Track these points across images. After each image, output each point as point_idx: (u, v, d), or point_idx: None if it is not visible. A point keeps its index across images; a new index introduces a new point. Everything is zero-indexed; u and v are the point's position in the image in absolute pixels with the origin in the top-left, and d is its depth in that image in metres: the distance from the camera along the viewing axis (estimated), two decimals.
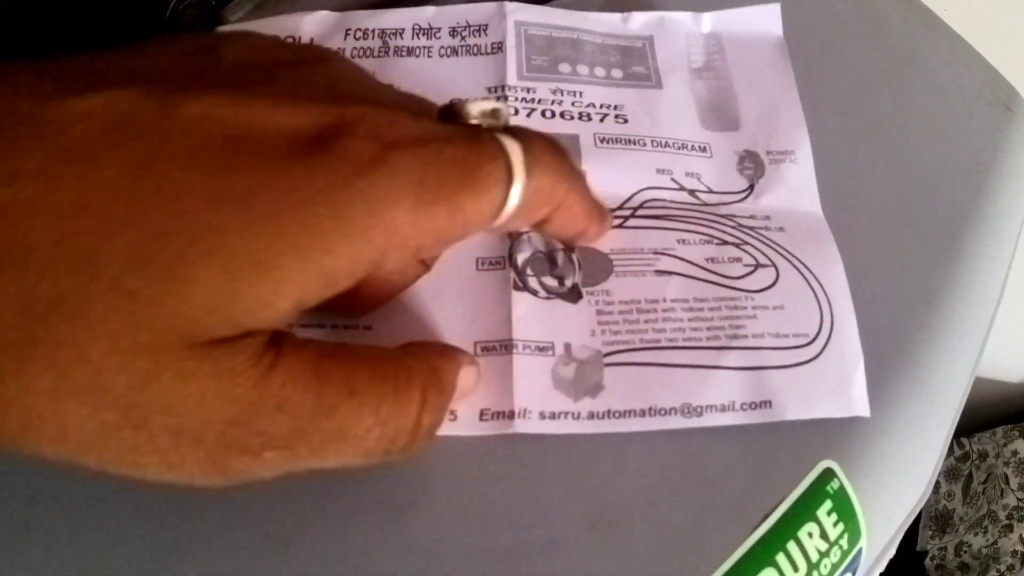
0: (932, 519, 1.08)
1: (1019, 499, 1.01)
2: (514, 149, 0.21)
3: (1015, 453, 1.03)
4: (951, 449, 1.09)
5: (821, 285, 0.29)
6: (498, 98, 0.31)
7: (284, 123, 0.18)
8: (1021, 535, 1.00)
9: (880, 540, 0.30)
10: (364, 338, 0.26)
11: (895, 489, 0.31)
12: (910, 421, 0.31)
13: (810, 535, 0.27)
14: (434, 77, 0.31)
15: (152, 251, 0.15)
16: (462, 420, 0.25)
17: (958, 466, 1.09)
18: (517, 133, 0.21)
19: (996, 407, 1.10)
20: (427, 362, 0.22)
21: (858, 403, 0.27)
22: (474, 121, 0.21)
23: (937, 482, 1.08)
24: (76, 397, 0.15)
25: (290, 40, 0.31)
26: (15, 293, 0.15)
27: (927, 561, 1.07)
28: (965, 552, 1.03)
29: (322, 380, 0.18)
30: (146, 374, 0.16)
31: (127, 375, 0.16)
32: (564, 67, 0.33)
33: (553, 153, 0.22)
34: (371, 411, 0.19)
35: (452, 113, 0.21)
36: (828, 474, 0.28)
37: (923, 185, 0.37)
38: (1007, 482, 1.02)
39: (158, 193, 0.16)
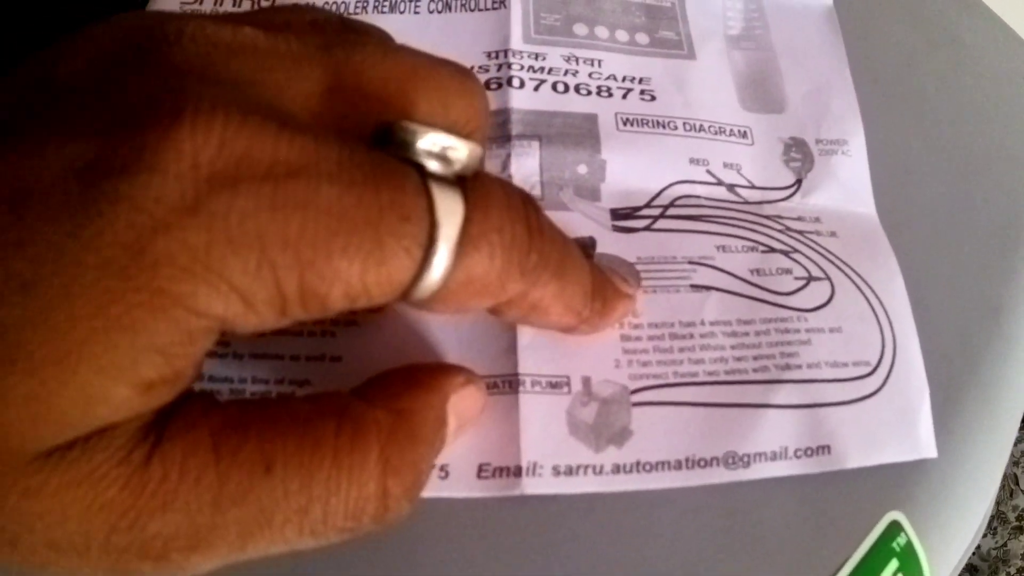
0: None
1: None
2: (451, 210, 0.15)
3: None
4: None
5: (881, 302, 0.25)
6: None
7: (74, 161, 0.13)
8: None
9: None
10: (330, 372, 0.21)
11: (959, 532, 0.28)
12: (977, 455, 0.28)
13: None
14: (420, 39, 0.26)
15: None
16: (456, 477, 0.20)
17: None
18: (475, 189, 0.16)
19: None
20: (388, 404, 0.17)
21: (925, 443, 0.24)
22: (419, 159, 0.16)
23: None
24: None
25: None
26: None
27: None
28: (974, 554, 1.01)
29: (224, 460, 0.15)
30: None
31: None
32: (580, 28, 0.29)
33: (521, 232, 0.17)
34: (300, 488, 0.15)
35: (390, 137, 0.16)
36: (894, 528, 0.24)
37: (976, 180, 0.33)
38: (1017, 483, 1.01)
39: None
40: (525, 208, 0.17)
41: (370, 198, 0.14)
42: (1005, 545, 0.98)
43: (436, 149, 0.16)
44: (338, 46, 0.16)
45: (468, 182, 0.16)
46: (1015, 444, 1.01)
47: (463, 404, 0.19)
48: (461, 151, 0.16)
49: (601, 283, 0.20)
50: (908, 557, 0.24)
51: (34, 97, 0.14)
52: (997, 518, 1.01)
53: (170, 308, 0.13)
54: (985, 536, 1.00)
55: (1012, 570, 0.97)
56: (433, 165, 0.15)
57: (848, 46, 0.32)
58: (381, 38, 0.18)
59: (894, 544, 0.23)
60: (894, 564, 0.23)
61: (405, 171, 0.15)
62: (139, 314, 0.13)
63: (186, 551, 0.15)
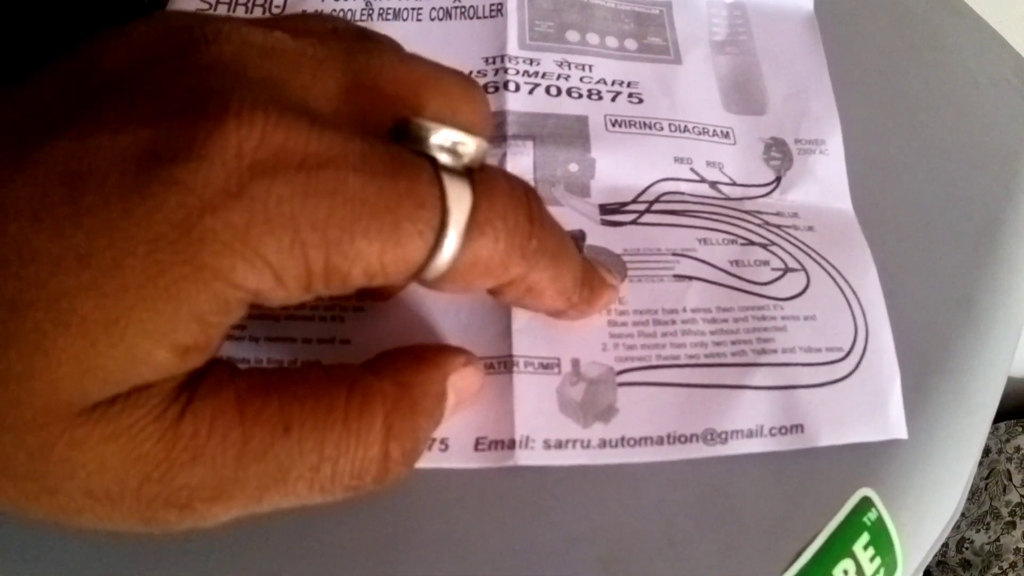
0: None
1: (1022, 496, 1.00)
2: (460, 198, 0.17)
3: (1018, 449, 1.01)
4: None
5: (854, 292, 0.26)
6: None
7: (126, 149, 0.15)
8: None
9: (912, 566, 0.28)
10: (340, 354, 0.23)
11: (931, 512, 0.29)
12: (948, 438, 0.29)
13: (845, 572, 0.24)
14: (423, 45, 0.28)
15: (11, 327, 0.14)
16: (455, 450, 0.22)
17: None
18: (482, 181, 0.17)
19: (1000, 402, 1.08)
20: (394, 377, 0.19)
21: (895, 424, 0.25)
22: (432, 152, 0.17)
23: None
24: None
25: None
26: None
27: None
28: (967, 549, 1.02)
29: (248, 420, 0.17)
30: (40, 447, 0.15)
31: (23, 451, 0.15)
32: (572, 35, 0.30)
33: (523, 219, 0.18)
34: (313, 447, 0.17)
35: (406, 133, 0.17)
36: (865, 504, 0.25)
37: (954, 178, 0.34)
38: (1010, 478, 1.01)
39: (6, 262, 0.14)
40: (527, 198, 0.18)
41: (390, 187, 0.16)
42: (998, 540, 0.99)
43: (447, 144, 0.17)
44: (357, 52, 0.18)
45: (475, 173, 0.18)
46: (1006, 441, 1.02)
47: (462, 382, 0.20)
48: (469, 145, 0.18)
49: (590, 272, 0.22)
50: (879, 531, 0.25)
51: (81, 89, 0.16)
52: (990, 513, 1.01)
53: (211, 281, 0.15)
54: (978, 531, 1.01)
55: (1005, 565, 0.97)
56: (444, 158, 0.17)
57: (830, 49, 0.33)
58: (394, 47, 0.19)
59: (864, 519, 0.25)
60: (865, 537, 0.24)
61: (420, 163, 0.17)
62: (184, 285, 0.15)
63: (208, 501, 0.16)
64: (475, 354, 0.22)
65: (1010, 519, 0.99)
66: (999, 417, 1.05)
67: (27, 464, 0.15)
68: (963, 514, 1.04)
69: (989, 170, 0.35)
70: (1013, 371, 1.11)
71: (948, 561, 1.03)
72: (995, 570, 0.97)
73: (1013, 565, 0.97)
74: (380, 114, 0.18)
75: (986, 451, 1.05)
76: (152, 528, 0.16)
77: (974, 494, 1.04)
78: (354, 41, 0.18)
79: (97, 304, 0.14)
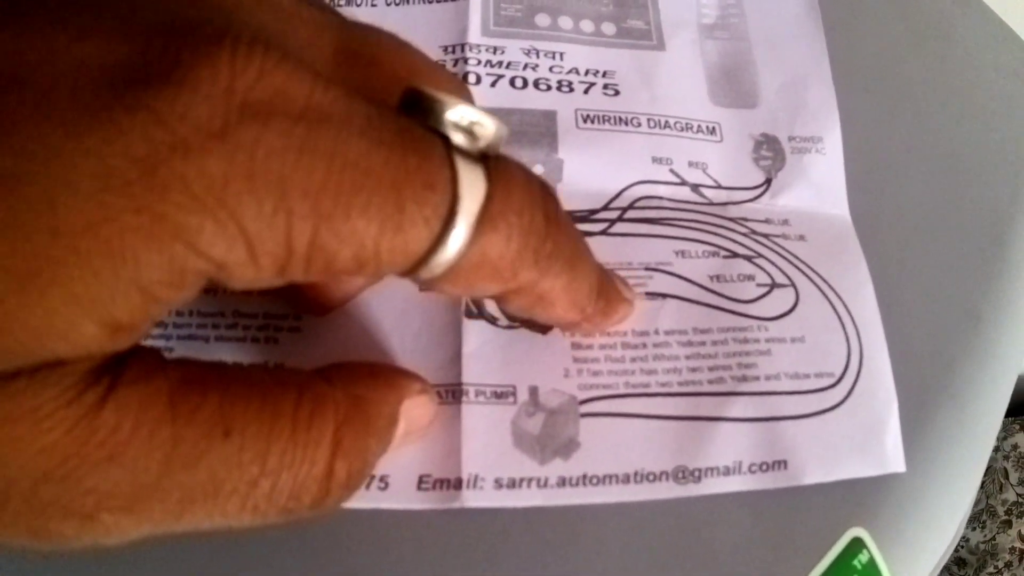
0: None
1: (1018, 494, 1.00)
2: (473, 185, 0.15)
3: (1015, 447, 1.01)
4: None
5: (848, 311, 0.24)
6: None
7: (89, 61, 0.12)
8: (1020, 531, 0.98)
9: None
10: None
11: (926, 549, 0.27)
12: (949, 469, 0.27)
13: None
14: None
15: None
16: (395, 488, 0.20)
17: None
18: (497, 171, 0.15)
19: None
20: (347, 388, 0.17)
21: (892, 457, 0.23)
22: (446, 130, 0.15)
23: None
24: None
25: None
26: None
27: None
28: (962, 547, 1.02)
29: (181, 419, 0.14)
30: None
31: None
32: (542, 19, 0.28)
33: (539, 219, 0.16)
34: (255, 457, 0.14)
35: (418, 104, 0.15)
36: (856, 545, 0.23)
37: (961, 178, 0.32)
38: (1006, 477, 1.00)
39: None
40: (544, 195, 0.16)
41: (397, 160, 0.14)
42: (993, 539, 0.98)
43: (464, 122, 0.15)
44: (354, 26, 0.16)
45: (491, 161, 0.15)
46: (1004, 439, 1.01)
47: (415, 411, 0.18)
48: (488, 127, 0.15)
49: (606, 284, 0.20)
50: (870, 574, 0.23)
51: None
52: (986, 512, 1.01)
53: (169, 240, 0.12)
54: (974, 530, 1.00)
55: (1000, 563, 0.97)
56: (459, 139, 0.15)
57: (829, 36, 0.31)
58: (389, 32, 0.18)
59: (855, 562, 0.23)
60: None
61: (432, 140, 0.14)
62: (132, 241, 0.12)
63: (118, 512, 0.14)
64: (429, 384, 0.19)
65: (1006, 518, 0.99)
66: None
67: None
68: None
69: (996, 172, 0.33)
70: None
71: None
72: (990, 569, 0.97)
73: (1008, 564, 0.97)
74: (379, 88, 0.15)
75: None
76: (39, 543, 0.14)
77: None
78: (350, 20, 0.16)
79: (14, 248, 0.11)
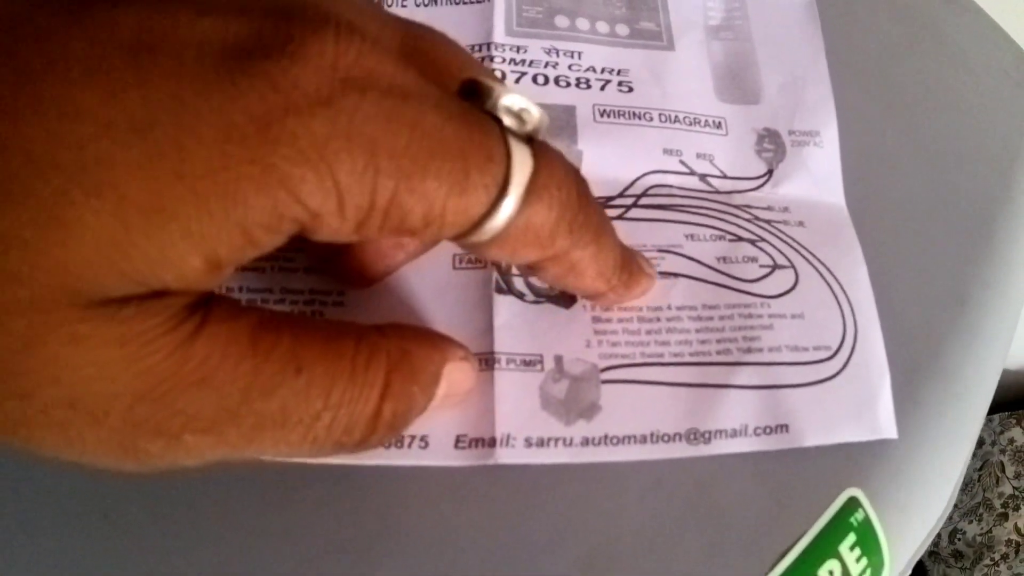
0: None
1: (1015, 487, 1.00)
2: (523, 162, 0.17)
3: (1011, 441, 1.01)
4: None
5: (844, 290, 0.26)
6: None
7: (210, 34, 0.14)
8: (1016, 524, 0.98)
9: (900, 566, 0.28)
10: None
11: (920, 512, 0.29)
12: (938, 438, 0.28)
13: (831, 573, 0.24)
14: None
15: (29, 185, 0.13)
16: (435, 447, 0.22)
17: None
18: (541, 152, 0.18)
19: (994, 394, 1.08)
20: (398, 342, 0.18)
21: (884, 424, 0.25)
22: (499, 114, 0.17)
23: None
24: None
25: None
26: None
27: None
28: (959, 540, 1.02)
29: (260, 353, 0.16)
30: (27, 337, 0.13)
31: (4, 337, 0.13)
32: (561, 20, 0.30)
33: (574, 194, 0.18)
34: (320, 393, 0.16)
35: (475, 92, 0.17)
36: (852, 504, 0.25)
37: (950, 171, 0.34)
38: (1003, 470, 1.01)
39: (40, 114, 0.13)
40: (576, 176, 0.19)
41: (464, 134, 0.16)
42: (990, 532, 0.99)
43: (515, 108, 0.17)
44: (412, 24, 0.18)
45: (535, 143, 0.18)
46: (1000, 433, 1.02)
47: (457, 375, 0.20)
48: (534, 114, 0.17)
49: (629, 258, 0.22)
50: (865, 532, 0.25)
51: None
52: (983, 505, 1.01)
53: (275, 187, 0.14)
54: (971, 523, 1.01)
55: (997, 556, 0.98)
56: (510, 122, 0.17)
57: (828, 37, 0.33)
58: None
59: (851, 519, 0.24)
60: (851, 538, 0.24)
61: (490, 121, 0.17)
62: (245, 186, 0.14)
63: (200, 433, 0.15)
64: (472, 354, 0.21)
65: (1002, 511, 1.00)
66: (993, 409, 1.05)
67: (2, 355, 0.13)
68: (956, 505, 1.04)
69: (986, 164, 0.35)
70: (1007, 364, 1.10)
71: (940, 552, 1.03)
72: (987, 561, 0.98)
73: (1005, 557, 0.97)
74: (435, 79, 0.17)
75: (980, 443, 1.05)
76: (125, 460, 0.15)
77: (967, 485, 1.05)
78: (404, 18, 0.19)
79: (144, 185, 0.13)
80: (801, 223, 0.27)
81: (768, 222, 0.27)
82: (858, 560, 0.25)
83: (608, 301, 0.23)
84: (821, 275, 0.26)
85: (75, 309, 0.13)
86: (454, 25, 0.28)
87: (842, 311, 0.25)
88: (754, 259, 0.26)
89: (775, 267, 0.26)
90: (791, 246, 0.26)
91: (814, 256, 0.26)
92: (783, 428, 0.23)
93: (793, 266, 0.26)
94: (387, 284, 0.23)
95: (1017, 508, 0.99)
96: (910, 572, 0.31)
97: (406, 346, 0.18)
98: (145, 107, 0.13)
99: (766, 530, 0.23)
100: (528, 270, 0.20)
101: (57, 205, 0.13)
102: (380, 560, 0.21)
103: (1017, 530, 0.98)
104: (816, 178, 0.28)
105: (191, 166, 0.13)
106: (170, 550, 0.21)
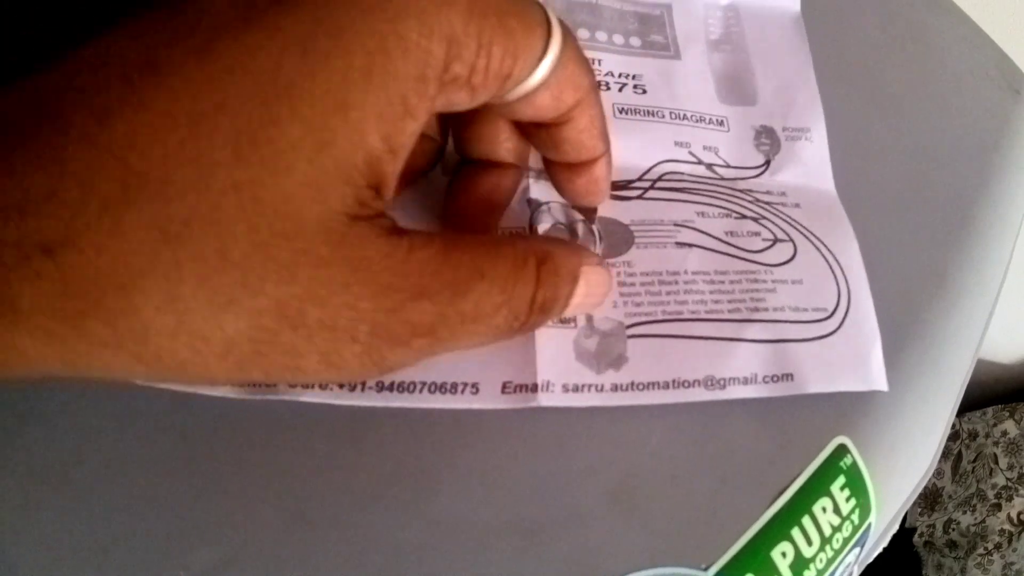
0: (921, 497, 1.09)
1: (1008, 479, 1.02)
2: (557, 28, 0.20)
3: (1005, 433, 1.04)
4: None
5: (837, 261, 0.29)
6: None
7: None
8: (1009, 514, 1.00)
9: (887, 515, 0.31)
10: None
11: (904, 464, 0.32)
12: (921, 397, 0.32)
13: (824, 510, 0.27)
14: None
15: (251, 131, 0.15)
16: (484, 393, 0.25)
17: (948, 445, 1.10)
18: (565, 27, 0.21)
19: (987, 388, 1.11)
20: (543, 245, 0.22)
21: (876, 377, 0.28)
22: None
23: None
24: (232, 309, 0.15)
25: None
26: (148, 222, 0.15)
27: (915, 538, 1.08)
28: (953, 530, 1.04)
29: (453, 265, 0.19)
30: (290, 264, 0.16)
31: (273, 270, 0.16)
32: (583, 32, 0.33)
33: (584, 57, 0.22)
34: (499, 290, 0.20)
35: None
36: (841, 450, 0.28)
37: (931, 163, 0.37)
38: (996, 462, 1.03)
39: (223, 56, 0.15)
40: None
41: (522, 5, 0.19)
42: (984, 522, 1.01)
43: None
44: None
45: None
46: (994, 425, 1.05)
47: (594, 276, 0.23)
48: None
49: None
50: (853, 475, 0.28)
51: None
52: (977, 495, 1.04)
53: (413, 51, 0.17)
54: (965, 513, 1.03)
55: (990, 545, 0.99)
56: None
57: (821, 43, 0.36)
58: None
59: (841, 463, 0.27)
60: (841, 480, 0.27)
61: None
62: (396, 58, 0.16)
63: (423, 337, 0.18)
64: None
65: (996, 501, 1.01)
66: (987, 402, 1.09)
67: (274, 288, 0.16)
68: (950, 496, 1.07)
69: (966, 157, 0.38)
70: (1000, 358, 1.13)
71: (935, 542, 1.05)
72: (980, 550, 0.99)
73: (998, 546, 0.99)
74: None
75: (974, 435, 1.08)
76: (372, 371, 0.18)
77: (961, 476, 1.07)
78: None
79: (325, 88, 0.16)
80: (797, 205, 0.31)
81: (768, 203, 0.30)
82: (847, 500, 0.27)
83: (599, 181, 0.26)
84: (816, 247, 0.29)
85: (317, 235, 0.16)
86: None
87: (836, 278, 0.29)
88: (757, 234, 0.29)
89: (776, 240, 0.29)
90: (789, 223, 0.30)
91: (810, 232, 0.30)
92: (788, 377, 0.26)
93: (791, 240, 0.29)
94: None
95: (1010, 498, 1.01)
96: (898, 525, 0.34)
97: (549, 248, 0.22)
98: (301, 22, 0.16)
99: (769, 469, 0.26)
100: (556, 134, 0.23)
101: (269, 137, 0.16)
102: (437, 489, 0.24)
103: (1010, 520, 0.99)
104: (808, 168, 0.32)
105: (352, 57, 0.16)
106: (247, 483, 0.24)
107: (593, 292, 0.23)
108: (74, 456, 0.24)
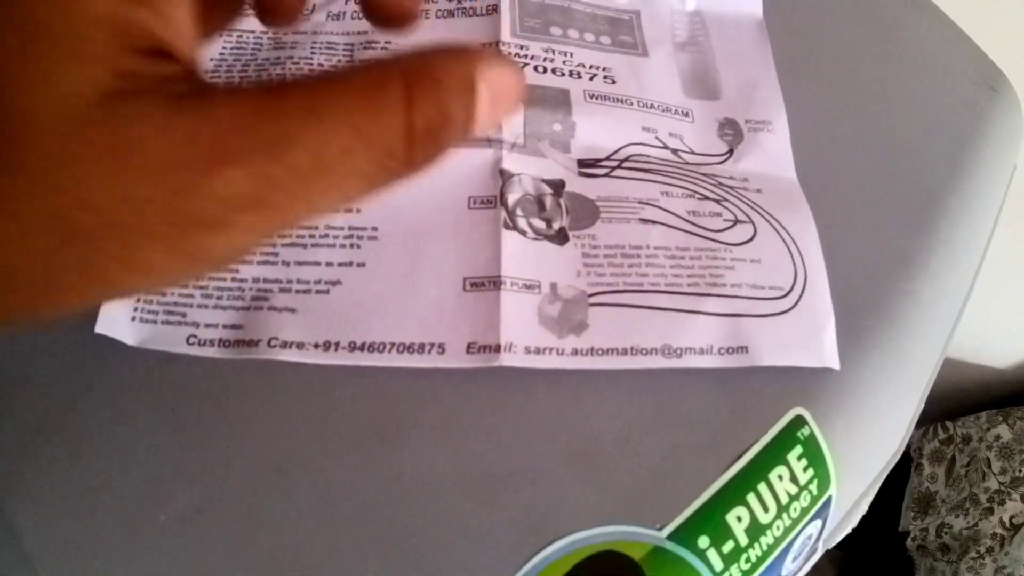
0: (915, 500, 1.09)
1: (1000, 483, 1.02)
2: None
3: (998, 438, 1.04)
4: (935, 432, 1.10)
5: (795, 243, 0.31)
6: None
7: None
8: (1001, 518, 1.00)
9: (852, 491, 0.32)
10: (358, 275, 0.27)
11: (867, 441, 0.32)
12: (882, 377, 0.32)
13: (780, 478, 0.28)
14: (431, 37, 0.33)
15: None
16: (450, 353, 0.26)
17: (942, 449, 1.10)
18: None
19: (980, 392, 1.11)
20: (414, 59, 0.17)
21: (828, 355, 0.29)
22: None
23: (920, 464, 1.10)
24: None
25: None
26: None
27: (908, 541, 1.08)
28: (946, 533, 1.04)
29: (273, 115, 0.15)
30: (38, 172, 0.13)
31: (23, 187, 0.13)
32: (555, 30, 0.35)
33: None
34: (347, 127, 0.15)
35: None
36: (799, 421, 0.29)
37: (902, 156, 0.38)
38: (989, 466, 1.03)
39: None
40: None
41: None
42: (976, 525, 1.01)
43: None
44: None
45: None
46: (987, 430, 1.05)
47: (494, 74, 0.18)
48: None
49: None
50: (811, 446, 0.29)
51: None
52: (969, 499, 1.04)
53: None
54: (958, 517, 1.04)
55: (982, 549, 1.00)
56: None
57: (793, 39, 0.37)
58: None
59: (798, 434, 0.29)
60: (798, 450, 0.28)
61: None
62: None
63: (248, 211, 0.14)
64: (468, 279, 0.26)
65: (988, 505, 1.02)
66: (981, 407, 1.09)
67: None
68: (943, 500, 1.07)
69: (936, 151, 0.39)
70: (994, 362, 1.13)
71: (928, 546, 1.06)
72: (972, 554, 1.00)
73: (990, 550, 0.99)
74: None
75: (967, 439, 1.08)
76: (195, 266, 0.15)
77: (955, 481, 1.07)
78: None
79: None
80: (759, 190, 0.32)
81: (731, 188, 0.32)
82: (805, 470, 0.29)
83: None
84: (776, 230, 0.31)
85: (64, 126, 0.13)
86: (467, 31, 0.34)
87: (793, 259, 0.30)
88: (718, 214, 0.30)
89: (736, 221, 0.30)
90: (750, 206, 0.31)
91: (770, 215, 0.31)
92: (743, 349, 0.28)
93: (751, 221, 0.31)
94: (413, 220, 0.28)
95: (1003, 503, 1.01)
96: (866, 507, 0.35)
97: (425, 59, 0.17)
98: None
99: (724, 436, 0.27)
100: None
101: None
102: (403, 443, 0.26)
103: (1002, 524, 0.99)
104: (770, 157, 0.33)
105: None
106: (224, 435, 0.25)
107: (501, 96, 0.18)
108: (67, 410, 0.26)
